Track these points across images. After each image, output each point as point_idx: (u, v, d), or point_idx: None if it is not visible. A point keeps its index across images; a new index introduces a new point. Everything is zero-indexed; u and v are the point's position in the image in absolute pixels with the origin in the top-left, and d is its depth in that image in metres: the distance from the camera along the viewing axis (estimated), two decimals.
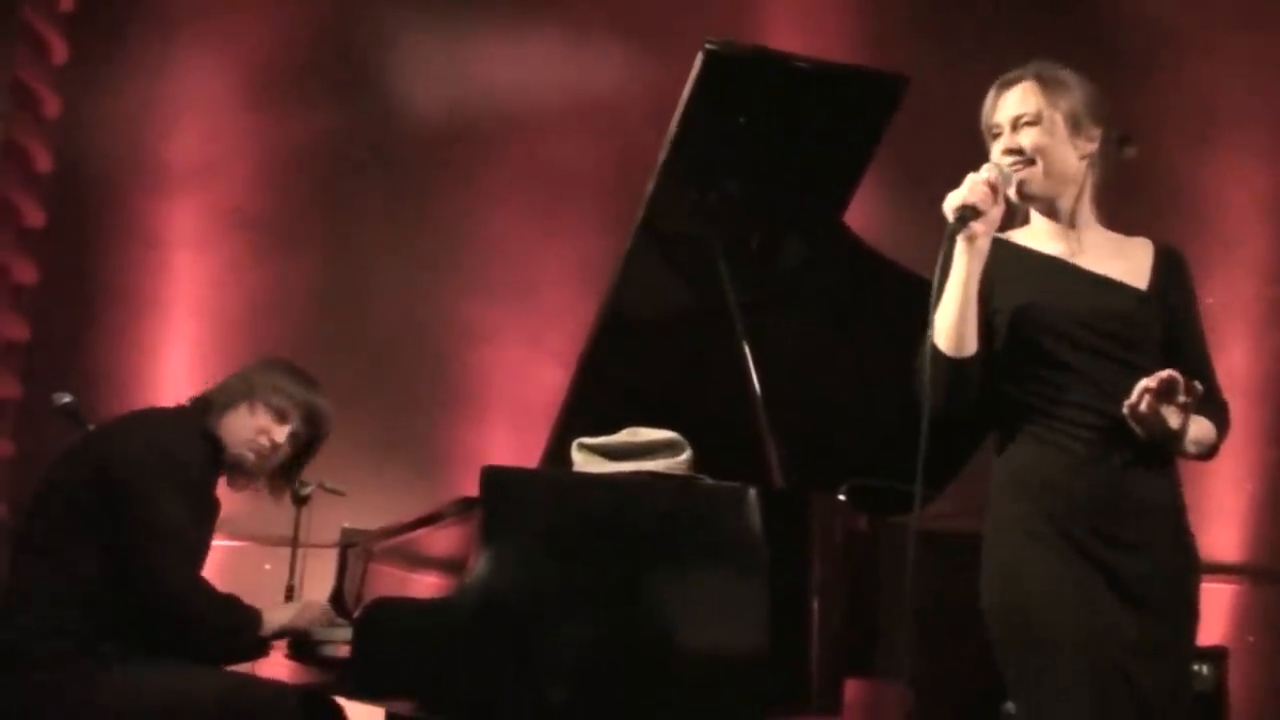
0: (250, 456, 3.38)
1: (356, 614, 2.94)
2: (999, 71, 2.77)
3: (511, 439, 5.65)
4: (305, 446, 3.49)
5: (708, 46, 3.23)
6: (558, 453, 3.40)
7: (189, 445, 3.30)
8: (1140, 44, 6.20)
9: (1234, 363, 6.09)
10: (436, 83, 6.19)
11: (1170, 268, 2.74)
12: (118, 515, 3.11)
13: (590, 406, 3.50)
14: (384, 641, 2.83)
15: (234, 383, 3.44)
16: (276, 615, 3.31)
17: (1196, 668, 4.62)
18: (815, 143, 3.49)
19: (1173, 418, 2.51)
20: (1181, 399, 2.49)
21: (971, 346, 2.58)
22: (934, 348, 2.56)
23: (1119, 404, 2.53)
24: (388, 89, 6.21)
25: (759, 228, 3.57)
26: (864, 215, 3.67)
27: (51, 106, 5.92)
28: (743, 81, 3.34)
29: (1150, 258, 2.73)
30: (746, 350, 3.31)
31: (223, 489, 3.48)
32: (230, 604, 3.25)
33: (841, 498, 3.07)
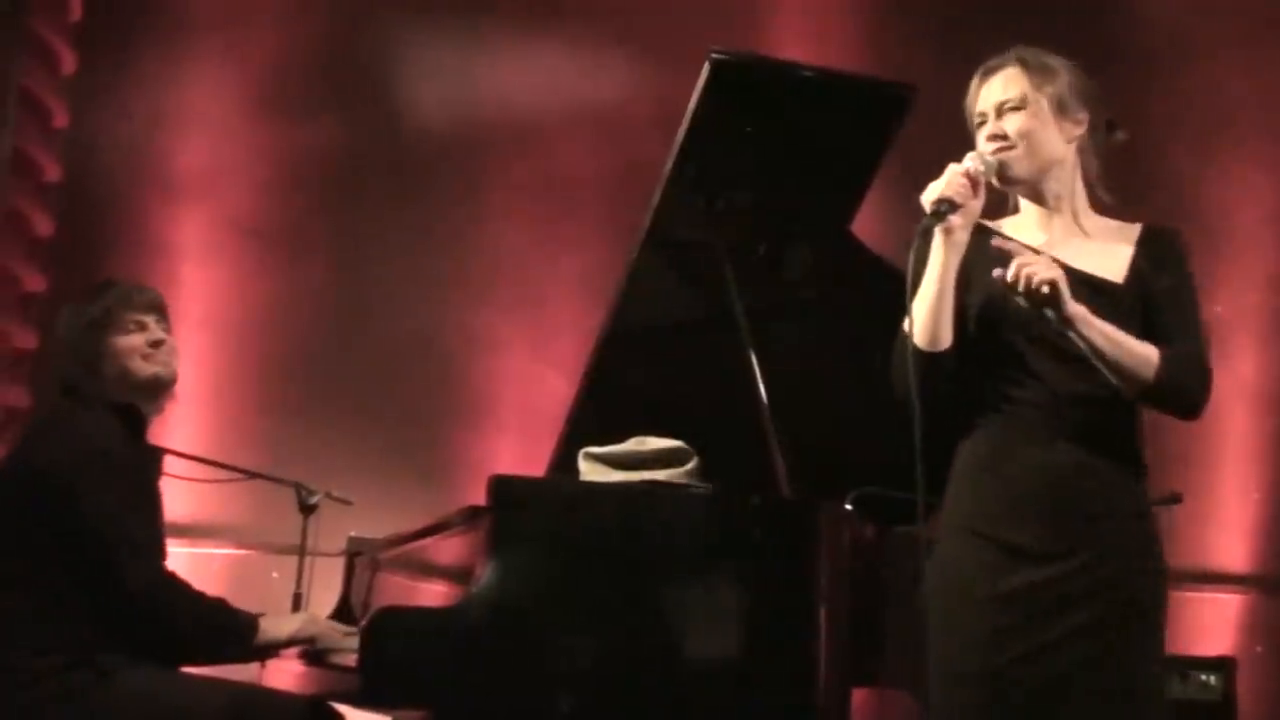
0: (155, 367, 3.18)
1: (363, 623, 2.94)
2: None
3: (518, 448, 5.65)
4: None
5: (714, 56, 3.23)
6: (564, 462, 3.40)
7: (98, 427, 3.11)
8: (1149, 54, 6.21)
9: (1241, 372, 6.10)
10: (443, 94, 6.21)
11: (1156, 250, 2.66)
12: (62, 531, 2.98)
13: (597, 415, 3.50)
14: (391, 650, 2.82)
15: (69, 349, 3.21)
16: (282, 625, 3.24)
17: (1204, 678, 4.62)
18: (822, 152, 3.49)
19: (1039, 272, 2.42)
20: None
21: (946, 340, 2.55)
22: (909, 341, 2.52)
23: (1072, 402, 2.50)
24: (395, 100, 6.23)
25: (766, 237, 3.57)
26: (871, 224, 3.67)
27: (60, 117, 5.94)
28: (749, 91, 3.34)
29: (1133, 245, 2.66)
30: (753, 359, 3.31)
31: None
32: (209, 601, 3.13)
33: (848, 507, 3.07)
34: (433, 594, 3.32)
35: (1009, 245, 2.51)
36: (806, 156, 3.50)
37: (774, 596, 2.95)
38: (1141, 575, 2.54)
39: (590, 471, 3.17)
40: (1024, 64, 2.67)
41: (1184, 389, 2.56)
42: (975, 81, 2.71)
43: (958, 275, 2.56)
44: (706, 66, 3.24)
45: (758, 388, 3.28)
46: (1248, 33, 6.32)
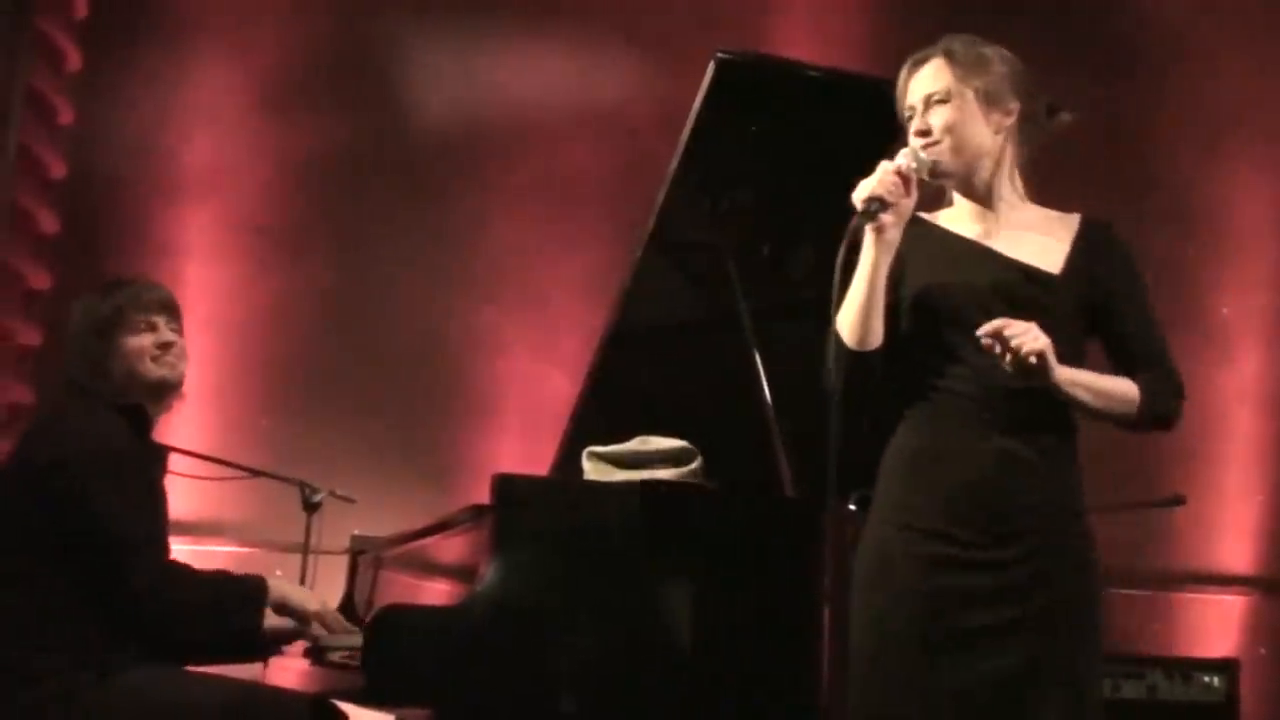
0: (159, 368, 3.16)
1: (367, 621, 2.94)
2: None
3: (522, 447, 5.65)
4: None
5: (719, 55, 3.24)
6: (568, 461, 3.40)
7: (103, 426, 3.09)
8: (1154, 56, 6.21)
9: (1245, 373, 6.09)
10: (449, 93, 6.21)
11: (1095, 243, 2.64)
12: (66, 530, 2.96)
13: (601, 414, 3.50)
14: (394, 649, 2.83)
15: (77, 347, 3.16)
16: (297, 589, 3.18)
17: (1207, 680, 4.62)
18: (827, 152, 3.49)
19: (1027, 343, 2.40)
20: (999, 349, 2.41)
21: (877, 339, 2.53)
22: (838, 340, 2.51)
23: (1005, 395, 2.48)
24: (400, 99, 6.23)
25: (770, 236, 3.57)
26: None
27: (65, 115, 5.94)
28: (754, 90, 3.34)
29: (1071, 236, 2.64)
30: (757, 359, 3.32)
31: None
32: (212, 580, 3.11)
33: (852, 507, 3.07)
34: (436, 592, 3.33)
35: (993, 324, 2.45)
36: (811, 156, 3.50)
37: (777, 596, 2.96)
38: (1076, 571, 2.52)
39: (594, 471, 3.18)
40: (950, 56, 2.65)
41: (1163, 415, 2.59)
42: (903, 74, 2.69)
43: (890, 271, 2.54)
44: (711, 66, 3.24)
45: (761, 387, 3.29)
46: (1253, 35, 6.31)
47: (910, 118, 2.66)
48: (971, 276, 2.57)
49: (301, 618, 3.15)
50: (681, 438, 3.18)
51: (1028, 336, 2.41)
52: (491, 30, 6.27)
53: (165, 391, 3.19)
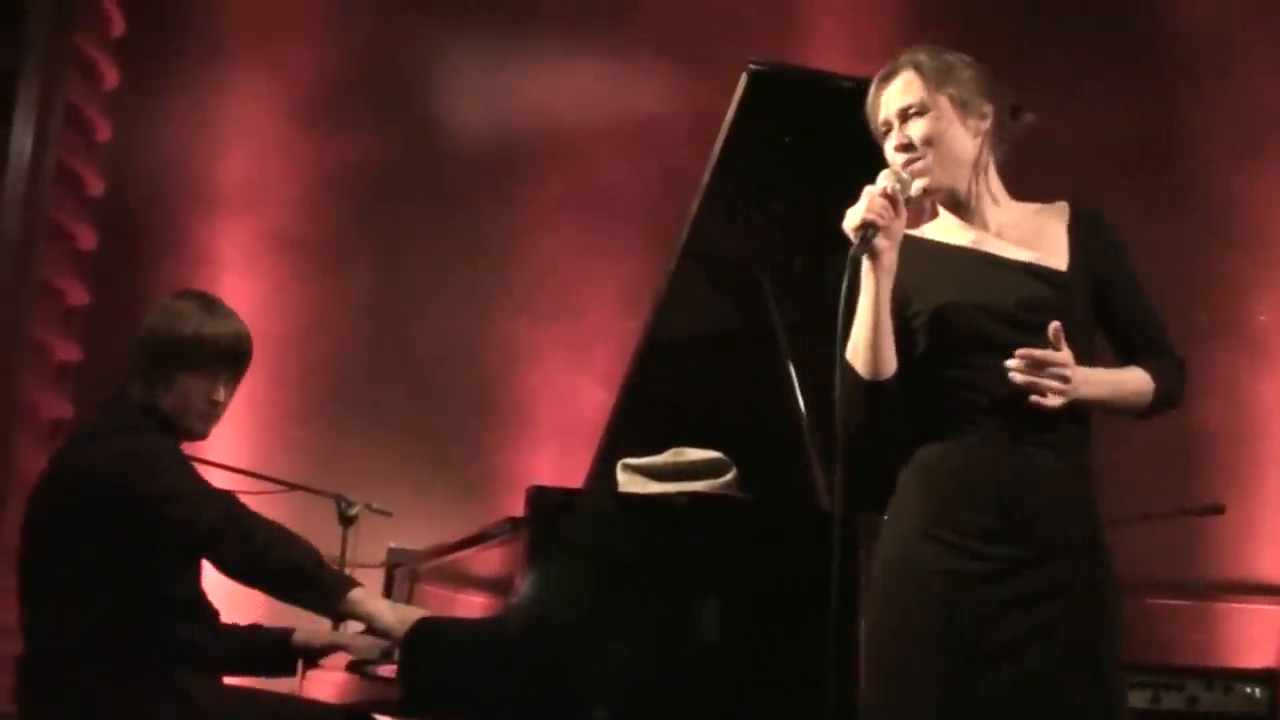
0: (203, 426, 3.18)
1: (404, 634, 2.95)
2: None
3: (557, 459, 5.66)
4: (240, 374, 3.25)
5: (751, 67, 3.23)
6: (603, 473, 3.40)
7: (140, 436, 3.09)
8: (1184, 62, 6.17)
9: None
10: (482, 105, 6.24)
11: (1089, 232, 2.61)
12: (105, 526, 2.95)
13: (635, 427, 3.50)
14: (431, 661, 2.83)
15: (144, 363, 3.14)
16: (375, 601, 3.03)
17: (1249, 690, 4.58)
18: (860, 162, 3.48)
19: (1052, 394, 2.40)
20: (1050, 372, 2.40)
21: (890, 367, 2.51)
22: (851, 372, 2.49)
23: (1020, 404, 2.44)
24: (434, 112, 6.26)
25: (803, 248, 3.56)
26: None
27: (103, 131, 6.00)
28: (787, 101, 3.33)
29: (1065, 227, 2.61)
30: (791, 371, 3.31)
31: None
32: (287, 533, 3.04)
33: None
34: (472, 605, 3.33)
35: (1023, 356, 2.42)
36: (843, 167, 3.48)
37: (813, 609, 2.94)
38: (1095, 579, 2.50)
39: (628, 483, 3.18)
40: (918, 67, 2.62)
41: (1171, 400, 2.59)
42: (872, 90, 2.66)
43: (892, 294, 2.52)
44: (744, 77, 3.23)
45: (796, 399, 3.28)
46: None
47: (886, 133, 2.64)
48: (979, 286, 2.55)
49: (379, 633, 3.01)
50: (716, 449, 3.18)
51: (1057, 386, 2.40)
52: (525, 44, 6.30)
53: (186, 439, 3.19)
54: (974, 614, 2.45)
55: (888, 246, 2.49)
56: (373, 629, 2.95)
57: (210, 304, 3.22)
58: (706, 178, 3.35)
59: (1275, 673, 4.66)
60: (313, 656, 3.33)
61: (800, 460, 3.21)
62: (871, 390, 2.50)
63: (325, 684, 3.60)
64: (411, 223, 6.14)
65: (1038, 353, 2.40)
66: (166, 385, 3.11)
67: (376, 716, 3.34)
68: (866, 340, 2.50)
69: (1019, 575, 2.46)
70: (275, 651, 3.31)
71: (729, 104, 3.27)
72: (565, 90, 6.26)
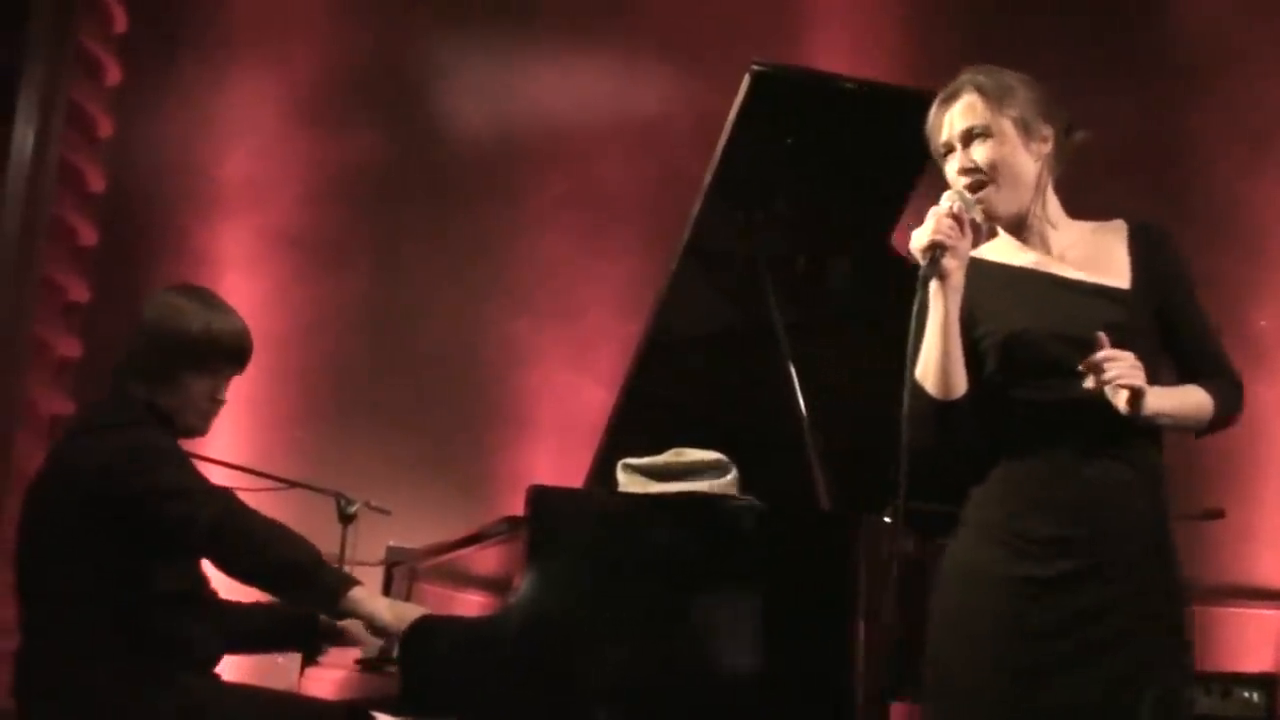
0: (203, 423, 3.19)
1: (403, 632, 2.95)
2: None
3: (557, 458, 5.66)
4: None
5: (754, 68, 3.24)
6: (603, 472, 3.40)
7: (140, 430, 3.07)
8: (1194, 63, 6.17)
9: None
10: (484, 105, 6.24)
11: (1150, 248, 2.61)
12: (106, 519, 2.94)
13: (635, 426, 3.50)
14: (430, 660, 2.83)
15: (146, 359, 3.11)
16: (375, 600, 3.00)
17: (1247, 695, 4.58)
18: (862, 163, 3.49)
19: (1127, 377, 2.38)
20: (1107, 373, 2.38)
21: (961, 387, 2.51)
22: (921, 393, 2.49)
23: (1094, 413, 2.44)
24: (436, 111, 6.27)
25: (805, 248, 3.57)
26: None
27: (104, 127, 6.00)
28: (789, 102, 3.34)
29: (1126, 245, 2.61)
30: (792, 371, 3.31)
31: None
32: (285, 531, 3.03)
33: (887, 520, 3.06)
34: (471, 604, 3.33)
35: (1086, 365, 2.41)
36: (846, 168, 3.50)
37: (812, 609, 2.95)
38: (1168, 588, 2.52)
39: (628, 482, 3.17)
40: (980, 89, 2.60)
41: (1230, 419, 2.58)
42: (934, 111, 2.65)
43: (960, 314, 2.52)
44: (747, 78, 3.24)
45: (797, 399, 3.28)
46: None
47: (947, 154, 2.63)
48: (1049, 310, 2.55)
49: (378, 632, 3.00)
50: (716, 450, 3.18)
51: (1129, 371, 2.38)
52: (526, 44, 6.30)
53: (183, 435, 3.18)
54: (1041, 624, 2.46)
55: (955, 266, 2.49)
56: (372, 628, 2.94)
57: (211, 301, 3.21)
58: (708, 178, 3.35)
59: (1273, 677, 4.67)
60: (320, 637, 3.34)
61: (801, 460, 3.21)
62: (942, 410, 2.50)
63: (324, 681, 3.60)
64: (413, 222, 6.14)
65: (1098, 354, 2.38)
66: (169, 382, 3.10)
67: (376, 715, 3.34)
68: (937, 361, 2.50)
69: (1089, 587, 2.46)
70: (292, 623, 3.33)
71: (731, 105, 3.27)
72: (567, 90, 6.26)
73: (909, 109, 3.46)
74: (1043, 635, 2.45)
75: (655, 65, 6.27)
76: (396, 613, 2.94)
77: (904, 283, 3.52)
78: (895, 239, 3.61)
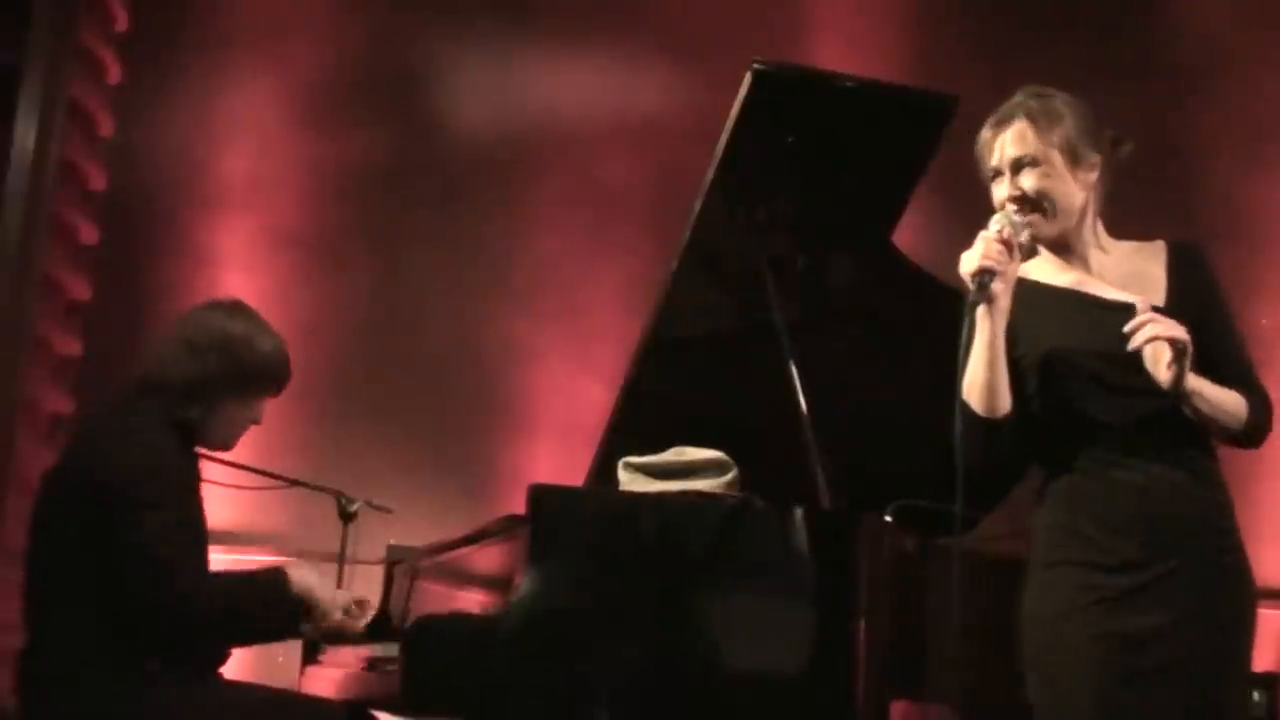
0: (233, 441, 3.25)
1: (403, 630, 2.95)
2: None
3: (558, 457, 5.65)
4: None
5: (755, 66, 3.24)
6: (604, 471, 3.40)
7: (156, 441, 3.07)
8: (1193, 63, 6.16)
9: None
10: (485, 103, 6.23)
11: (1186, 267, 2.66)
12: (110, 545, 2.96)
13: (636, 425, 3.50)
14: (431, 658, 2.83)
15: (189, 373, 3.11)
16: (319, 588, 3.13)
17: (1249, 694, 4.58)
18: (864, 162, 3.49)
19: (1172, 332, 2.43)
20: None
21: (1005, 405, 2.56)
22: (969, 411, 2.54)
23: (1149, 426, 2.51)
24: (437, 110, 6.26)
25: (806, 247, 3.57)
26: (913, 234, 3.66)
27: (106, 126, 5.99)
28: (790, 101, 3.34)
29: (1163, 264, 2.66)
30: (793, 369, 3.31)
31: None
32: (241, 588, 3.11)
33: (888, 518, 3.06)
34: (472, 603, 3.33)
35: (1138, 320, 2.46)
36: (848, 167, 3.50)
37: (813, 608, 2.95)
38: (1236, 591, 2.58)
39: (630, 481, 3.18)
40: (1031, 117, 2.63)
41: (1262, 433, 2.64)
42: (986, 134, 2.68)
43: (1006, 334, 2.56)
44: (748, 76, 3.24)
45: (798, 398, 3.28)
46: None
47: (995, 177, 2.66)
48: (1087, 330, 2.59)
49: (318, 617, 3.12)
50: (718, 449, 3.18)
51: (1172, 327, 2.42)
52: (528, 42, 6.29)
53: (208, 448, 3.25)
54: (1122, 641, 2.50)
55: (1003, 290, 2.54)
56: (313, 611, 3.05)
57: (260, 324, 3.26)
58: (710, 177, 3.36)
59: (1276, 676, 4.66)
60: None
61: (801, 459, 3.21)
62: (988, 428, 2.54)
63: (325, 679, 3.60)
64: (414, 221, 6.13)
65: (1141, 316, 2.43)
66: (205, 400, 3.13)
67: (377, 713, 3.35)
68: (984, 380, 2.54)
69: (1162, 593, 2.51)
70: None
71: (732, 103, 3.27)
72: (568, 88, 6.25)
73: (910, 108, 3.48)
74: (1122, 648, 2.50)
75: (656, 64, 6.27)
76: (329, 593, 3.12)
77: (904, 281, 3.55)
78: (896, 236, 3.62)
